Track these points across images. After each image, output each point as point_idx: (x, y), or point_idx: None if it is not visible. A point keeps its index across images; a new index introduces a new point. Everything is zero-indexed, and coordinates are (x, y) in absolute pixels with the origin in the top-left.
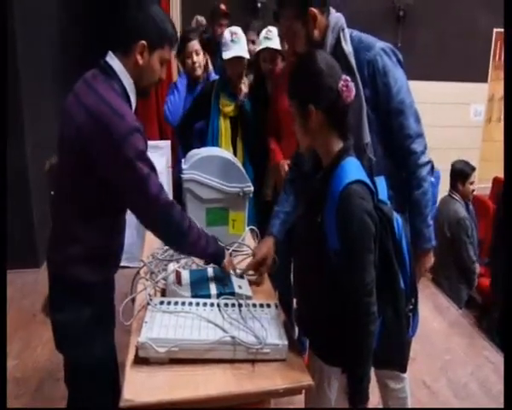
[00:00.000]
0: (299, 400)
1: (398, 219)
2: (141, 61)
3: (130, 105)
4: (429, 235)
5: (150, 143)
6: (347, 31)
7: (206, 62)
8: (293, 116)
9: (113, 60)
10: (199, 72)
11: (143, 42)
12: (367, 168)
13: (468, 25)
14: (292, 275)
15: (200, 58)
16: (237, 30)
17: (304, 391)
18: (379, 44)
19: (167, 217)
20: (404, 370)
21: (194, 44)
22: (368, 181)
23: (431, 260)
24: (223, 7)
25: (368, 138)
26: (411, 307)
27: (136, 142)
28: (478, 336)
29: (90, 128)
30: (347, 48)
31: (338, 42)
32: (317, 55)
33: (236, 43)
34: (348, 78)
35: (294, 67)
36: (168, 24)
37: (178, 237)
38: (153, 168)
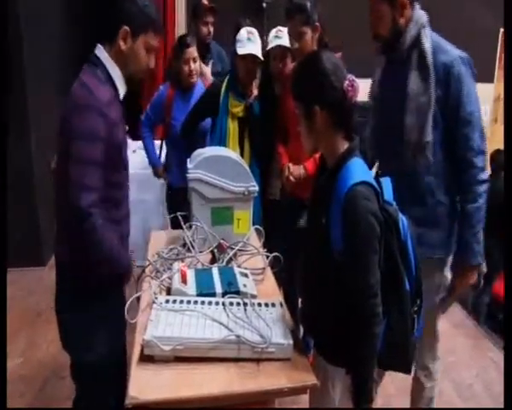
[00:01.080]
0: (305, 399)
1: (403, 219)
2: (124, 47)
3: (117, 93)
4: (478, 250)
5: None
6: (428, 30)
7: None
8: (298, 118)
9: (99, 50)
10: (194, 79)
11: (126, 27)
12: (422, 167)
13: (474, 24)
14: (297, 274)
15: (197, 65)
16: (254, 31)
17: (308, 391)
18: (457, 52)
19: (78, 216)
20: (408, 371)
21: (193, 51)
22: (373, 182)
23: (474, 277)
24: (205, 1)
25: (429, 137)
26: (416, 308)
27: (91, 119)
28: (483, 337)
29: (68, 110)
30: (427, 45)
31: (418, 38)
32: (322, 55)
33: (252, 43)
34: (353, 77)
35: (298, 68)
36: (151, 8)
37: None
38: (94, 161)
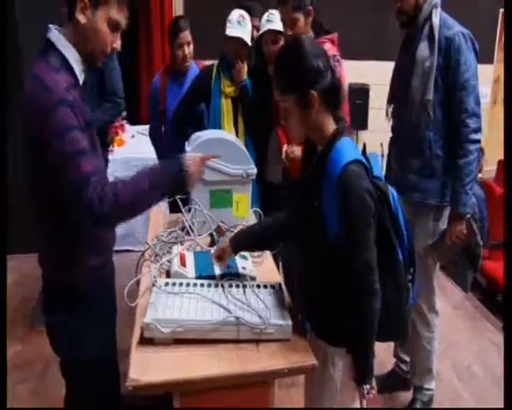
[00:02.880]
0: (303, 381)
1: (393, 193)
2: (83, 21)
3: (75, 75)
4: (466, 201)
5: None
6: (439, 9)
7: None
8: (285, 112)
9: (50, 32)
10: (188, 63)
11: None
12: (423, 123)
13: (474, 4)
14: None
15: (191, 49)
16: (246, 15)
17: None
18: (459, 28)
19: (105, 201)
20: (405, 339)
21: (187, 35)
22: (363, 159)
23: (462, 226)
24: None
25: (430, 96)
26: (410, 277)
27: (61, 116)
28: (482, 319)
29: (27, 114)
30: (436, 21)
31: (430, 15)
32: (303, 40)
33: (242, 26)
34: (336, 53)
35: (282, 60)
36: None
37: (124, 209)
38: (82, 150)
